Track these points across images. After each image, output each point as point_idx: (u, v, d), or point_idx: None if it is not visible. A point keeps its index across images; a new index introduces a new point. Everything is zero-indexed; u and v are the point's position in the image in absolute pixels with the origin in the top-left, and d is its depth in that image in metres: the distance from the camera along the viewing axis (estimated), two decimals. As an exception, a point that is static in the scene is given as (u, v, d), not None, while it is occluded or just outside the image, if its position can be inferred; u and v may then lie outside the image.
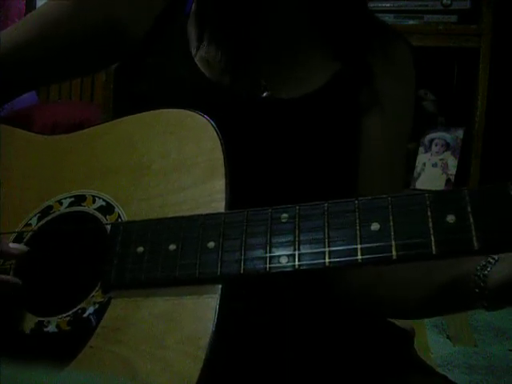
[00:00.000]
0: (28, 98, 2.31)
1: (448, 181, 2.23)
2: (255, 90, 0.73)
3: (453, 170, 2.24)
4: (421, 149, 2.33)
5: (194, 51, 0.74)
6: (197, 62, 0.74)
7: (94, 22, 0.76)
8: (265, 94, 0.73)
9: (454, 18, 2.17)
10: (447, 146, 2.29)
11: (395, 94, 0.78)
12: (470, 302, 0.62)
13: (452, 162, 2.26)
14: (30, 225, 0.67)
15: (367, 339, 0.76)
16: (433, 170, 2.28)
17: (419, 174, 2.30)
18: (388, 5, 2.20)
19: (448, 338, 1.80)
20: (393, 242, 0.51)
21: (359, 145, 0.77)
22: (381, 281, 0.71)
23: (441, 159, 2.28)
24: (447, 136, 2.30)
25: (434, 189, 2.18)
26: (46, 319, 0.60)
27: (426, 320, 1.89)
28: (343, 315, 0.77)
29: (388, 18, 2.16)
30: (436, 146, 2.29)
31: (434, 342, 1.74)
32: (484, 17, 2.11)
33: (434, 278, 0.66)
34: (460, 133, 2.29)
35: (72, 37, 0.76)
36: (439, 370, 0.81)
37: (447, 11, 2.17)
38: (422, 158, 2.32)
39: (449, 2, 2.16)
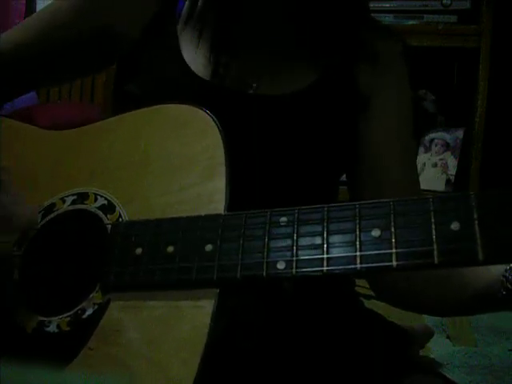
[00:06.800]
0: (28, 98, 2.30)
1: (448, 181, 2.23)
2: (245, 87, 0.74)
3: (453, 170, 2.24)
4: (421, 149, 2.33)
5: (184, 51, 0.76)
6: (187, 62, 0.75)
7: (87, 29, 0.78)
8: (254, 91, 0.73)
9: (453, 18, 2.16)
10: (447, 146, 2.29)
11: (387, 92, 0.78)
12: (499, 304, 0.61)
13: (452, 162, 2.25)
14: None
15: (367, 339, 0.76)
16: (433, 170, 2.28)
17: (419, 175, 2.30)
18: (388, 5, 2.19)
19: (448, 337, 1.80)
20: (393, 250, 0.48)
21: (357, 142, 0.78)
22: (429, 284, 0.70)
23: (441, 159, 2.27)
24: (447, 136, 2.30)
25: (433, 189, 2.18)
26: (47, 319, 0.61)
27: (426, 319, 1.89)
28: (343, 315, 0.77)
29: (388, 18, 2.16)
30: (436, 146, 2.29)
31: (434, 342, 1.73)
32: (484, 17, 2.11)
33: (466, 280, 0.65)
34: (460, 133, 2.29)
35: (67, 41, 0.79)
36: (439, 369, 0.81)
37: (447, 11, 2.17)
38: (422, 158, 2.31)
39: (449, 2, 2.15)
